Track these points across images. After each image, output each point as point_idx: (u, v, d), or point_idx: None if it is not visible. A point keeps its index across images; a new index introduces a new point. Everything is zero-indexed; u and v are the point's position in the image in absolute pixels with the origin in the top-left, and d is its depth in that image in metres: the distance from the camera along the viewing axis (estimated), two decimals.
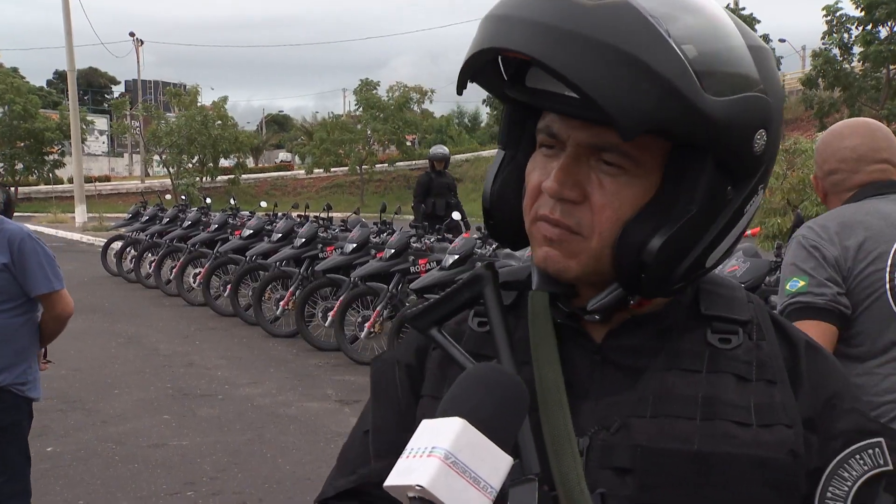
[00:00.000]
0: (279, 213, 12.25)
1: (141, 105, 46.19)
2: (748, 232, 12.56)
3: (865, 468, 0.94)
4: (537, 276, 0.97)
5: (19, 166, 39.07)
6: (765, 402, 0.94)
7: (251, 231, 11.19)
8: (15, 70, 43.07)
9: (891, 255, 2.25)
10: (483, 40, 0.89)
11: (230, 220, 12.48)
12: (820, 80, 28.47)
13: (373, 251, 9.04)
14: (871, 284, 2.25)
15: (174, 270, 12.12)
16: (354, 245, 9.12)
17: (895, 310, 2.23)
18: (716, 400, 0.93)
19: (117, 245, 14.91)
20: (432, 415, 0.97)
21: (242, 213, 13.24)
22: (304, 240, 9.84)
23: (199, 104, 38.55)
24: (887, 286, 2.24)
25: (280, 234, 10.48)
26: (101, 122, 59.36)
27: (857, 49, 27.77)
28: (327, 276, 9.02)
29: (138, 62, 57.15)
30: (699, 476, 0.90)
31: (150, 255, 13.37)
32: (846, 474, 0.93)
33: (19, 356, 3.43)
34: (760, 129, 0.90)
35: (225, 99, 38.89)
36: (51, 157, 40.57)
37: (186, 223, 12.95)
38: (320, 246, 9.85)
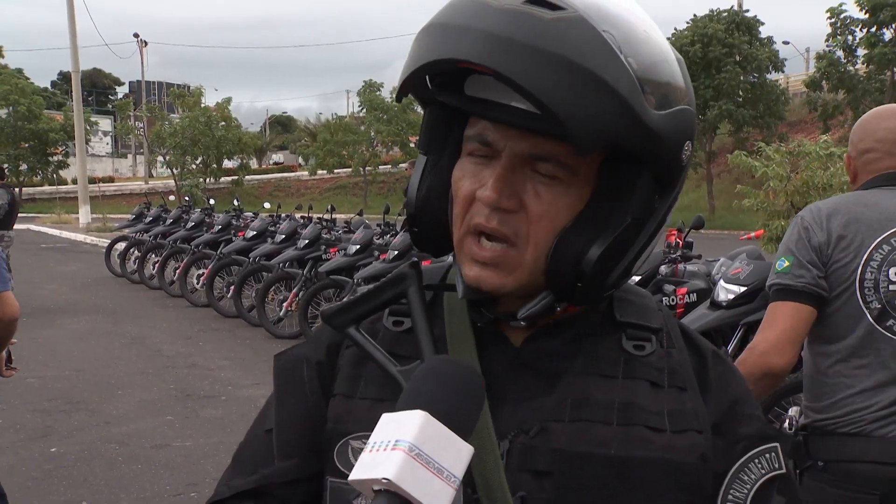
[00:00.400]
0: (283, 215, 12.28)
1: (145, 106, 46.29)
2: (752, 234, 12.50)
3: (763, 472, 0.97)
4: (461, 286, 0.95)
5: (23, 167, 39.16)
6: (677, 409, 0.96)
7: (255, 232, 11.21)
8: (19, 71, 43.15)
9: (868, 250, 2.22)
10: (440, 50, 0.86)
11: (234, 222, 12.52)
12: (824, 82, 28.45)
13: (376, 252, 9.05)
14: (846, 277, 2.23)
15: (178, 271, 12.15)
16: (358, 246, 9.13)
17: (862, 307, 2.21)
18: (632, 405, 0.95)
19: (121, 246, 14.96)
20: (346, 414, 0.98)
21: (246, 214, 13.29)
22: (307, 241, 9.86)
23: (202, 105, 38.61)
24: (856, 282, 2.21)
25: (283, 236, 10.49)
26: (105, 123, 59.54)
27: (861, 51, 27.76)
28: (331, 277, 9.04)
29: (142, 63, 57.41)
30: (616, 479, 0.92)
31: (153, 256, 13.41)
32: (746, 477, 0.97)
33: None
34: (688, 141, 0.93)
35: (229, 100, 38.99)
36: (55, 158, 40.63)
37: (190, 224, 12.98)
38: (324, 247, 9.86)
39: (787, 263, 2.27)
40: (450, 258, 1.06)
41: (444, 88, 0.93)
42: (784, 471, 0.99)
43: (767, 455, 0.98)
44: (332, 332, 1.02)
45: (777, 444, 0.99)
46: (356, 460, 0.95)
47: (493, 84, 0.87)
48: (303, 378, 1.04)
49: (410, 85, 0.92)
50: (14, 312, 3.44)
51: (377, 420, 0.93)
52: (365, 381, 1.00)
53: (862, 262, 2.21)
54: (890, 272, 2.21)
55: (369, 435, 0.94)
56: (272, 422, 1.04)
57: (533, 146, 0.89)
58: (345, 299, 1.04)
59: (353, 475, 0.74)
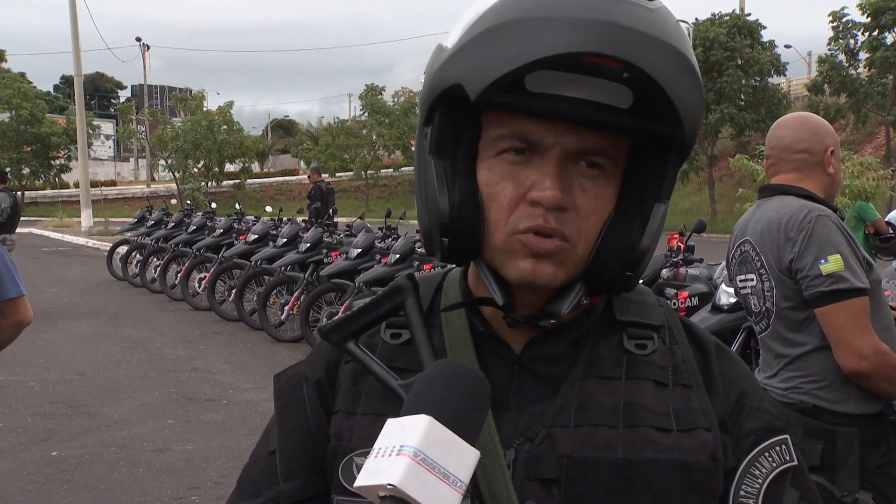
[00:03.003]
0: (284, 218, 12.29)
1: (147, 110, 46.36)
2: None
3: (774, 465, 0.96)
4: (497, 290, 0.92)
5: (26, 171, 39.23)
6: (683, 407, 0.95)
7: (256, 236, 11.22)
8: (22, 75, 43.21)
9: (729, 262, 2.71)
10: (563, 43, 0.81)
11: (235, 225, 12.52)
12: (826, 85, 28.40)
13: (378, 256, 9.05)
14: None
15: (179, 275, 12.14)
16: (359, 250, 9.13)
17: (752, 308, 2.61)
18: (636, 406, 0.94)
19: (123, 249, 14.97)
20: (349, 430, 0.96)
21: (247, 217, 13.28)
22: (309, 245, 9.87)
23: (204, 109, 38.65)
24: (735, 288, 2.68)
25: (285, 239, 10.49)
26: (107, 127, 59.57)
27: (863, 55, 27.71)
28: (332, 280, 9.03)
29: (144, 67, 57.43)
30: (624, 483, 0.90)
31: (155, 259, 13.43)
32: (757, 472, 0.95)
33: None
34: None
35: (230, 104, 39.04)
36: (57, 162, 40.74)
37: (192, 228, 13.00)
38: (325, 251, 9.87)
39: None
40: (450, 267, 1.05)
41: (503, 88, 0.87)
42: (796, 462, 0.97)
43: (778, 448, 0.97)
44: (331, 348, 1.01)
45: (787, 436, 0.98)
46: None
47: (554, 79, 0.86)
48: (303, 398, 1.03)
49: (502, 84, 0.84)
50: (30, 317, 3.52)
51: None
52: (366, 396, 0.99)
53: (731, 273, 2.71)
54: (737, 279, 2.65)
55: None
56: (275, 443, 1.03)
57: (583, 141, 0.88)
58: (341, 314, 1.02)
59: (359, 481, 0.74)
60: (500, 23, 0.84)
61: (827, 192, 2.57)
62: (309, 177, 17.10)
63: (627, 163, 0.93)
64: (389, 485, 0.71)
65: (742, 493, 0.94)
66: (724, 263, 6.28)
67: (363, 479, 0.74)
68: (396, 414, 0.85)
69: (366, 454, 0.93)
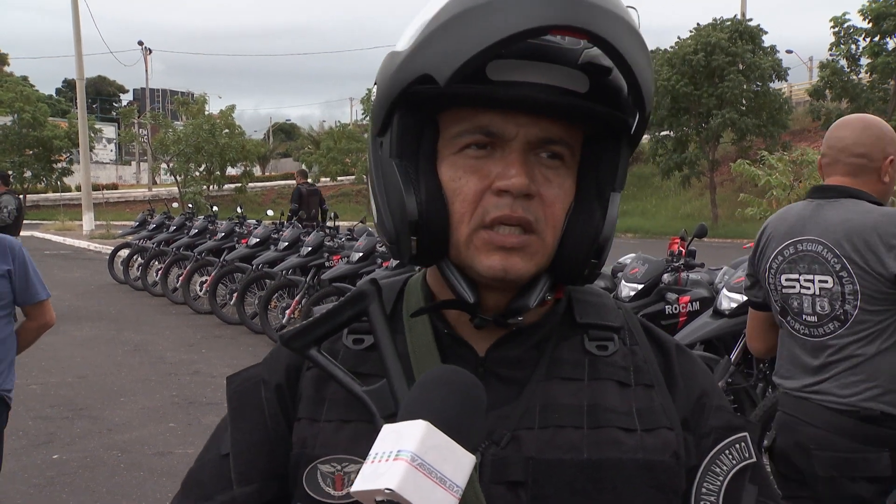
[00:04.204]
0: (285, 222, 12.29)
1: (149, 113, 46.37)
2: (752, 243, 12.58)
3: (734, 462, 0.97)
4: (465, 287, 0.92)
5: (28, 174, 39.24)
6: (645, 407, 0.96)
7: (258, 239, 11.23)
8: (24, 78, 43.35)
9: (769, 260, 2.67)
10: (524, 21, 0.81)
11: (237, 229, 12.53)
12: (827, 91, 28.44)
13: (379, 260, 9.06)
14: (765, 282, 2.70)
15: (181, 278, 12.16)
16: (361, 254, 9.14)
17: (775, 304, 2.67)
18: (600, 407, 0.94)
19: (124, 253, 14.98)
20: (312, 438, 0.95)
21: (249, 221, 13.28)
22: (310, 248, 9.87)
23: (206, 113, 38.66)
24: (766, 287, 2.68)
25: (286, 243, 10.50)
26: (109, 131, 59.55)
27: (864, 60, 27.74)
28: (333, 284, 9.03)
29: (146, 71, 57.54)
30: (590, 483, 0.91)
31: (156, 262, 13.42)
32: (717, 469, 0.97)
33: (8, 362, 3.46)
34: None
35: (232, 107, 39.02)
36: (59, 165, 40.72)
37: (193, 231, 13.01)
38: (327, 255, 9.87)
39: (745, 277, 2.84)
40: (410, 272, 1.06)
41: (467, 77, 0.87)
42: (754, 459, 0.99)
43: (737, 445, 0.98)
44: (290, 353, 1.00)
45: (746, 434, 0.99)
46: (325, 485, 0.93)
47: (514, 66, 0.87)
48: (260, 401, 1.01)
49: (472, 66, 0.84)
50: (54, 319, 3.67)
51: (344, 442, 0.92)
52: (329, 402, 0.97)
53: (768, 270, 2.66)
54: (782, 278, 2.63)
55: (337, 458, 0.92)
56: (227, 446, 1.01)
57: (544, 130, 0.90)
58: (303, 322, 1.01)
59: (356, 486, 0.74)
60: (463, 10, 0.85)
61: (879, 200, 2.56)
62: (295, 179, 17.16)
63: (581, 155, 0.95)
64: (387, 489, 0.71)
65: (704, 490, 0.96)
66: (725, 268, 6.29)
67: (360, 484, 0.74)
68: (361, 420, 0.85)
69: (330, 461, 0.93)
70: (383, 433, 0.77)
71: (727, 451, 0.97)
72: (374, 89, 0.96)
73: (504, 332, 0.97)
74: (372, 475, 0.74)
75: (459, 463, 0.75)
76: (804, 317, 2.55)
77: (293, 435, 0.98)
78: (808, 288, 2.54)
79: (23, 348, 3.64)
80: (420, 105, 0.91)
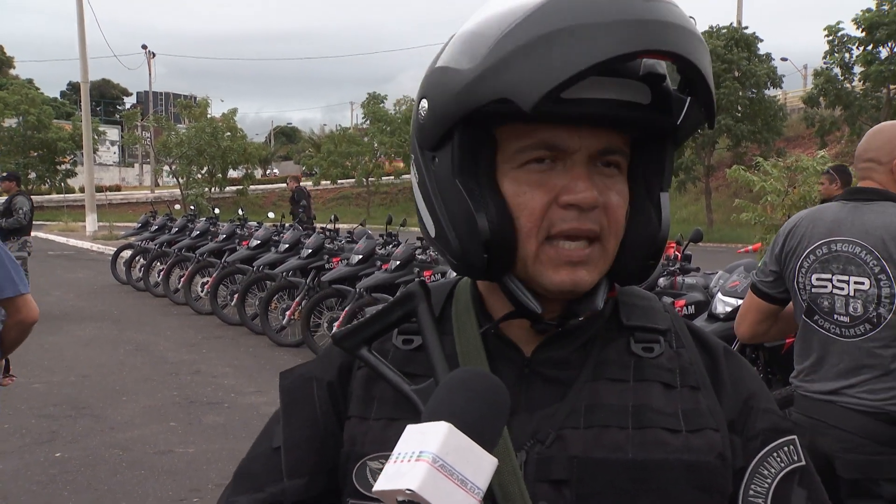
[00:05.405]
0: (286, 224, 12.29)
1: (152, 116, 46.37)
2: (749, 247, 12.47)
3: (782, 465, 0.97)
4: (531, 299, 0.92)
5: (32, 175, 39.24)
6: (691, 408, 0.95)
7: (258, 241, 11.21)
8: (30, 81, 43.30)
9: (800, 259, 2.62)
10: (620, 45, 0.81)
11: (238, 231, 12.52)
12: (821, 98, 28.41)
13: (378, 263, 9.05)
14: (791, 280, 2.66)
15: (182, 279, 12.15)
16: (360, 256, 9.13)
17: (801, 304, 2.63)
18: (645, 408, 0.94)
19: (127, 254, 14.97)
20: (362, 435, 0.97)
21: (250, 223, 13.27)
22: (310, 250, 9.86)
23: (208, 116, 38.67)
24: (794, 285, 2.64)
25: (287, 245, 10.49)
26: (112, 133, 59.58)
27: (857, 69, 27.74)
28: (333, 286, 9.03)
29: (150, 74, 57.57)
30: (634, 483, 0.90)
31: (158, 263, 13.41)
32: (766, 472, 0.96)
33: None
34: None
35: (234, 111, 39.05)
36: (63, 167, 40.78)
37: (195, 233, 12.99)
38: (326, 257, 9.86)
39: (760, 264, 2.83)
40: (453, 275, 1.06)
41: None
42: (804, 462, 0.98)
43: (786, 448, 0.97)
44: (342, 352, 1.01)
45: (794, 437, 0.98)
46: (375, 481, 0.95)
47: (586, 84, 0.85)
48: (312, 397, 1.03)
49: (560, 91, 0.83)
50: (35, 315, 3.40)
51: (392, 439, 0.93)
52: (378, 401, 0.99)
53: (797, 268, 2.62)
54: (812, 278, 2.58)
55: (385, 455, 0.93)
56: (279, 440, 1.02)
57: (605, 142, 0.90)
58: (355, 321, 1.01)
59: (378, 486, 0.74)
60: (548, 32, 0.83)
61: None
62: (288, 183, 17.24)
63: (636, 156, 0.96)
64: (408, 490, 0.71)
65: (751, 492, 0.95)
66: (720, 272, 6.28)
67: (382, 484, 0.74)
68: (409, 419, 0.85)
69: (379, 458, 0.94)
70: (407, 433, 0.77)
71: (775, 454, 0.97)
72: (424, 104, 0.94)
73: (550, 333, 0.98)
74: (394, 475, 0.74)
75: (481, 465, 0.75)
76: (836, 316, 2.51)
77: (344, 433, 1.00)
78: (843, 288, 2.50)
79: (8, 349, 3.45)
80: (481, 121, 0.90)
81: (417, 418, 0.90)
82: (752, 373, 1.03)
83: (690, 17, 0.88)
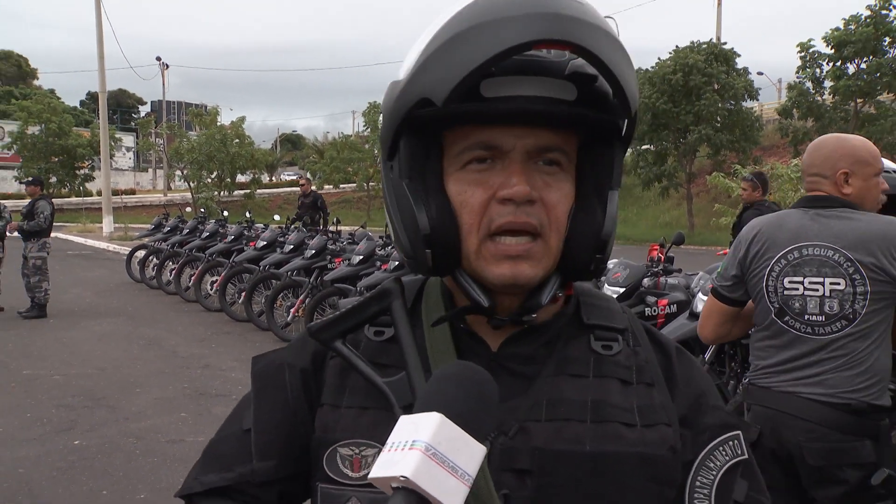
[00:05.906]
0: (291, 226, 12.28)
1: (165, 124, 46.23)
2: (728, 250, 12.64)
3: (727, 458, 0.98)
4: (480, 293, 0.92)
5: (53, 179, 39.16)
6: (646, 404, 0.96)
7: (265, 242, 11.20)
8: (52, 91, 43.24)
9: (771, 263, 2.60)
10: (511, 38, 0.81)
11: (245, 232, 12.51)
12: (794, 110, 28.46)
13: (378, 263, 9.05)
14: (759, 284, 2.63)
15: (193, 278, 12.12)
16: (361, 257, 9.13)
17: (770, 306, 2.60)
18: (604, 403, 0.94)
19: (141, 254, 14.95)
20: (334, 423, 0.96)
21: (257, 225, 13.27)
22: (314, 251, 9.85)
23: (218, 124, 38.55)
24: (764, 288, 2.61)
25: (292, 246, 10.49)
26: (128, 140, 59.39)
27: (828, 83, 27.78)
28: (335, 285, 9.02)
29: (164, 84, 57.34)
30: (592, 474, 0.91)
31: (170, 263, 13.39)
32: (711, 464, 0.97)
33: None
34: None
35: (242, 119, 38.94)
36: (82, 172, 40.65)
37: (205, 234, 12.98)
38: (329, 257, 9.85)
39: (719, 269, 2.80)
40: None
41: (463, 97, 0.87)
42: (746, 456, 0.99)
43: (731, 442, 0.98)
44: (316, 342, 1.00)
45: (739, 432, 0.99)
46: (344, 466, 0.94)
47: (506, 83, 0.87)
48: (284, 382, 1.02)
49: (465, 86, 0.84)
50: None
51: (363, 427, 0.92)
52: (350, 390, 0.98)
53: (767, 272, 2.60)
54: (784, 281, 2.58)
55: (356, 442, 0.93)
56: (250, 422, 1.01)
57: (539, 139, 0.90)
58: (330, 315, 1.01)
59: (373, 473, 0.74)
60: (455, 34, 0.85)
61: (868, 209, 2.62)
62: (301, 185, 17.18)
63: (578, 159, 0.95)
64: (402, 476, 0.71)
65: (698, 483, 0.96)
66: (701, 273, 6.30)
67: (377, 471, 0.74)
68: (379, 407, 0.85)
69: (349, 445, 0.94)
70: (400, 424, 0.77)
71: (721, 448, 0.98)
72: (381, 118, 0.96)
73: (516, 330, 0.97)
74: (388, 463, 0.74)
75: (471, 453, 0.75)
76: (807, 316, 2.53)
77: (316, 420, 0.99)
78: (816, 290, 2.52)
79: None
80: (423, 127, 0.91)
81: (387, 408, 0.90)
82: (701, 372, 1.04)
83: (608, 17, 0.89)
